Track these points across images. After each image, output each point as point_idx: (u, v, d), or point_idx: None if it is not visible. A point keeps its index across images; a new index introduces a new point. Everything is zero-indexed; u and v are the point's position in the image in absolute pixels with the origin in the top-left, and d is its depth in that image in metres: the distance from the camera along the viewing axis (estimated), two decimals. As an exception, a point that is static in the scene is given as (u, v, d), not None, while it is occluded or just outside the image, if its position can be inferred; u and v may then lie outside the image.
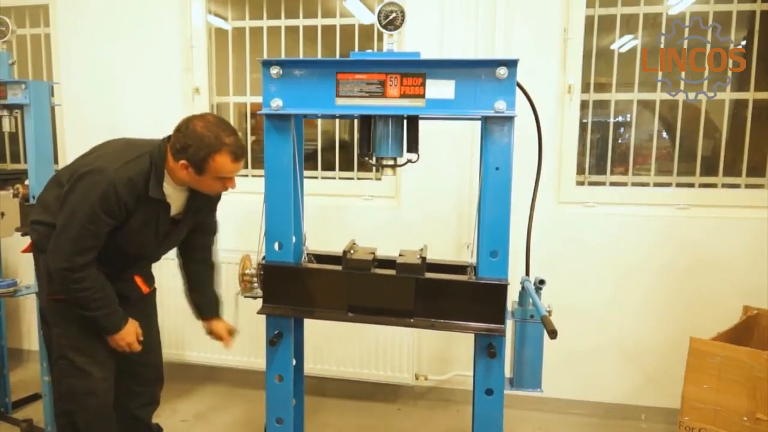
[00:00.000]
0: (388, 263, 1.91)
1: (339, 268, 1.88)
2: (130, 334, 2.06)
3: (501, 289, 1.74)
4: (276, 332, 1.87)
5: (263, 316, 1.89)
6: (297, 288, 1.88)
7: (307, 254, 2.05)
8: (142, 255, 2.13)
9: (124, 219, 1.92)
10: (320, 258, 2.07)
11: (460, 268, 1.97)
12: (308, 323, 2.29)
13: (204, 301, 2.33)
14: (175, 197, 2.05)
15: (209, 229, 2.35)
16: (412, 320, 1.81)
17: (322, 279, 1.91)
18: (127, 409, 2.27)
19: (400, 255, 1.90)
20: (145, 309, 2.29)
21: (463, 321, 1.78)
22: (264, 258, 1.89)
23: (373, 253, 1.93)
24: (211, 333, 2.33)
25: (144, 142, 2.04)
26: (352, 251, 1.93)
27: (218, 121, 1.94)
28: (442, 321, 1.80)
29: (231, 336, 2.34)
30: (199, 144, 1.87)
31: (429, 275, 1.83)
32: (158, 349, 2.38)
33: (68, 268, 1.87)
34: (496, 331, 1.74)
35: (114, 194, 1.85)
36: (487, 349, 1.76)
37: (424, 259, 1.84)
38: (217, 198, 2.24)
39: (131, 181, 1.89)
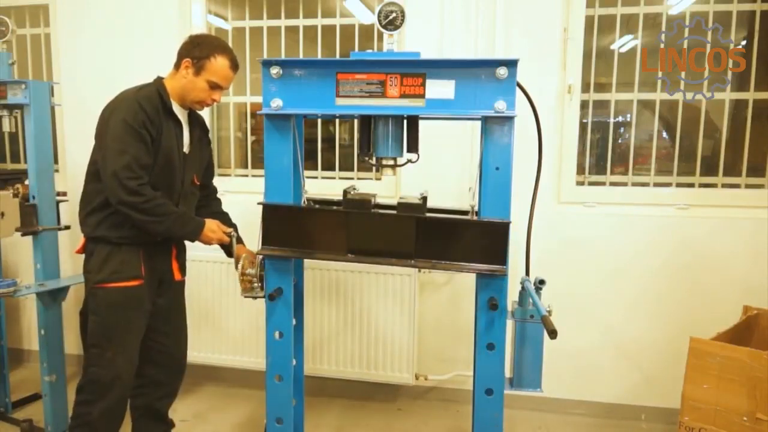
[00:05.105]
0: (389, 207, 1.90)
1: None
2: (213, 223, 2.17)
3: (503, 228, 1.71)
4: (276, 287, 1.85)
5: (263, 317, 1.88)
6: (297, 229, 1.85)
7: (307, 199, 2.02)
8: (174, 184, 2.16)
9: (155, 134, 2.04)
10: (320, 203, 2.08)
11: (461, 213, 1.95)
12: (308, 323, 2.29)
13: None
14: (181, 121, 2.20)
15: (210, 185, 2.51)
16: (413, 261, 1.79)
17: (322, 219, 1.89)
18: (148, 398, 2.35)
19: (401, 198, 1.90)
20: (177, 298, 2.36)
21: (464, 261, 1.76)
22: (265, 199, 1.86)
23: (374, 196, 1.92)
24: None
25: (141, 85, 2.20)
26: (352, 192, 1.93)
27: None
28: (443, 262, 1.77)
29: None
30: (208, 43, 2.13)
31: (430, 215, 1.81)
32: (185, 341, 2.45)
33: (123, 174, 1.94)
34: (497, 271, 1.72)
35: (141, 109, 2.01)
36: (489, 301, 1.73)
37: (425, 199, 1.83)
38: (209, 141, 2.41)
39: (150, 100, 2.06)
